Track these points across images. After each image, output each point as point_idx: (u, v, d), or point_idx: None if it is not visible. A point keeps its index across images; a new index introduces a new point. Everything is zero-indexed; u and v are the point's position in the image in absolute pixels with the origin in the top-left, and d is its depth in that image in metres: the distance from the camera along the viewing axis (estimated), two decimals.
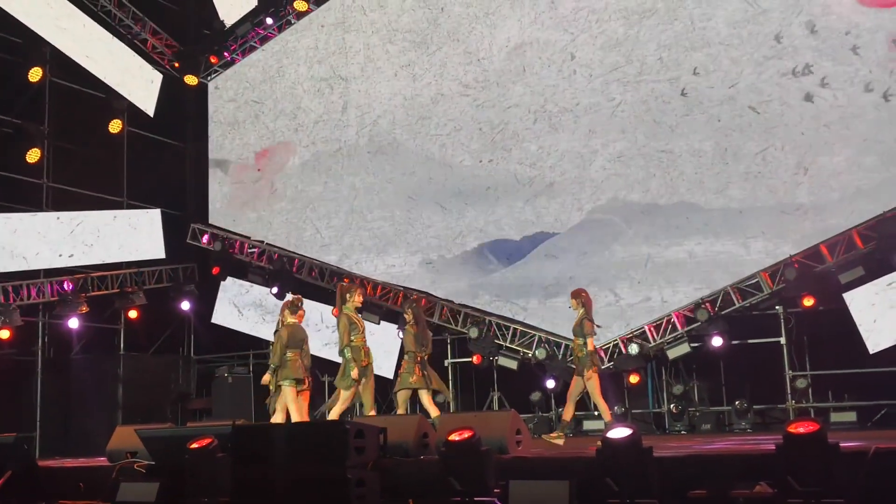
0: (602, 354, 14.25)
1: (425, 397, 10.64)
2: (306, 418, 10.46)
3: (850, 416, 12.86)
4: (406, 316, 11.01)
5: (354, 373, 10.14)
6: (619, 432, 6.15)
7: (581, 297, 10.91)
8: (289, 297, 13.18)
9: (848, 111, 13.04)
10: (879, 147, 12.79)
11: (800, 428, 5.67)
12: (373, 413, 10.46)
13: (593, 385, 10.50)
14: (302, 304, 10.99)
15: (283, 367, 10.24)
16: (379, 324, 15.56)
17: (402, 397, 10.74)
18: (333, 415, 10.34)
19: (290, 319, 10.62)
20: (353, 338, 10.27)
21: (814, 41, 13.32)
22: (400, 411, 10.72)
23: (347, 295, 10.58)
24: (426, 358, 10.77)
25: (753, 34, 13.69)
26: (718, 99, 13.84)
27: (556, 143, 15.03)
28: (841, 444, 5.65)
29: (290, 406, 10.21)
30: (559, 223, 14.89)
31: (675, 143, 14.10)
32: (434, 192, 15.98)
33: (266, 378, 10.59)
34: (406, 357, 10.75)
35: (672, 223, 14.05)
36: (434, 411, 10.53)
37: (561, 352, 14.46)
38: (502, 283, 15.08)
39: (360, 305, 10.77)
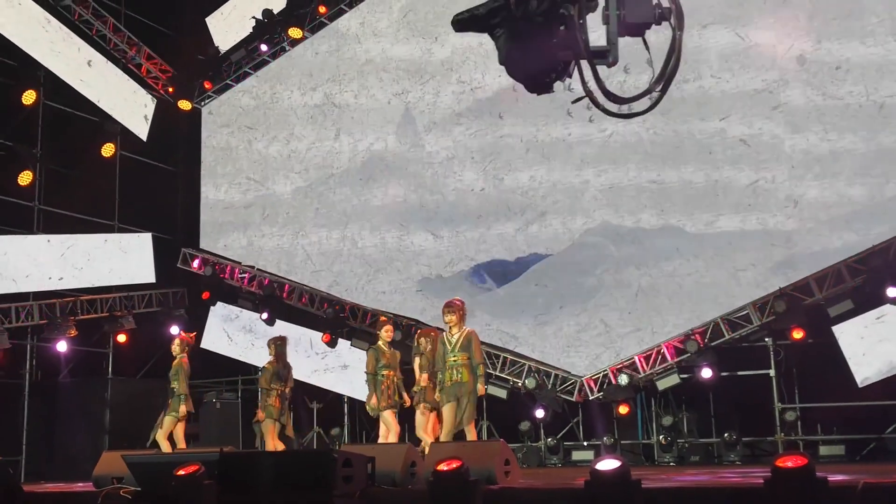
0: (592, 384, 14.26)
1: (277, 428, 11.65)
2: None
3: (839, 450, 12.86)
4: (269, 351, 12.03)
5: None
6: (608, 464, 6.12)
7: (430, 335, 11.06)
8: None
9: (838, 145, 13.13)
10: (869, 181, 12.87)
11: (788, 462, 5.65)
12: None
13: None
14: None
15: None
16: (367, 350, 15.48)
17: (267, 428, 11.71)
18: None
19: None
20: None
21: (804, 75, 13.44)
22: (272, 443, 11.58)
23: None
24: (286, 391, 11.82)
25: (745, 66, 13.80)
26: (710, 131, 13.92)
27: (547, 173, 15.09)
28: (829, 479, 5.63)
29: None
30: (550, 251, 14.92)
31: (667, 174, 14.17)
32: (425, 219, 16.00)
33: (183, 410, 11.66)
34: (262, 393, 11.84)
35: (662, 254, 14.10)
36: (279, 445, 11.47)
37: (551, 381, 14.44)
38: (493, 309, 15.05)
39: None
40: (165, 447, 11.48)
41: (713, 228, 13.80)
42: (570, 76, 5.05)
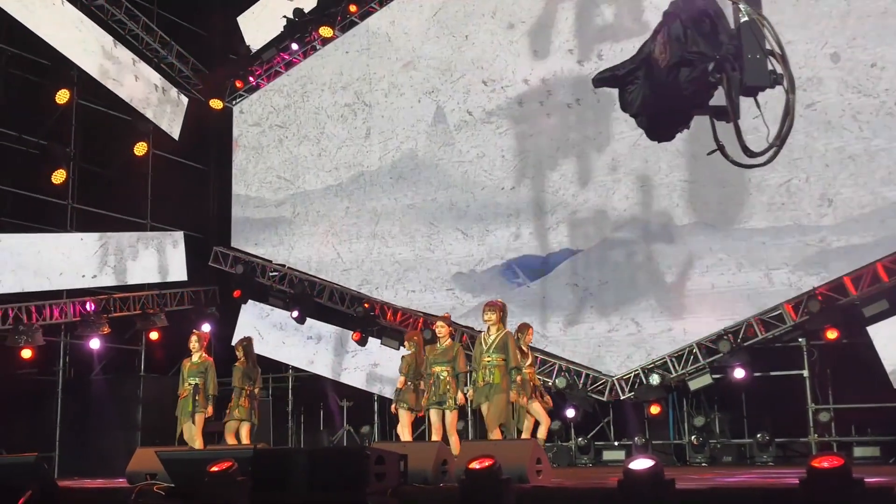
0: (623, 384, 14.21)
1: (245, 429, 11.69)
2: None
3: (874, 451, 12.74)
4: (237, 352, 12.07)
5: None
6: (642, 463, 6.09)
7: (413, 339, 11.29)
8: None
9: (873, 143, 12.99)
10: None
11: (824, 462, 5.59)
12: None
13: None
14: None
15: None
16: (398, 349, 15.52)
17: (228, 429, 11.76)
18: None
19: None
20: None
21: (838, 72, 13.29)
22: (229, 442, 11.63)
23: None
24: (255, 391, 11.93)
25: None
26: (742, 129, 13.78)
27: (578, 171, 15.04)
28: (865, 480, 5.58)
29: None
30: (581, 249, 14.87)
31: (699, 173, 14.08)
32: (456, 218, 15.99)
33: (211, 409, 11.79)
34: (234, 392, 11.80)
35: (695, 253, 14.01)
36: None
37: (581, 381, 14.40)
38: (524, 307, 14.97)
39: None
40: (199, 444, 11.55)
41: (746, 227, 13.70)
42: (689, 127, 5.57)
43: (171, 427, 12.19)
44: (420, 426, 16.02)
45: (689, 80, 5.22)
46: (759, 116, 5.56)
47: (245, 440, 11.63)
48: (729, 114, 5.51)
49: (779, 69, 5.49)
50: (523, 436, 10.59)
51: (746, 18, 5.41)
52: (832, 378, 13.53)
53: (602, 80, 5.70)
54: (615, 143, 14.78)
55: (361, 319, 16.14)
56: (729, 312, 13.66)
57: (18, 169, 15.53)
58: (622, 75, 5.58)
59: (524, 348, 10.81)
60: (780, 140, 5.63)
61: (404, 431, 10.95)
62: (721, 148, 5.76)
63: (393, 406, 11.27)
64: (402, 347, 11.93)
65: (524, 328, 11.07)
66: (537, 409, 10.76)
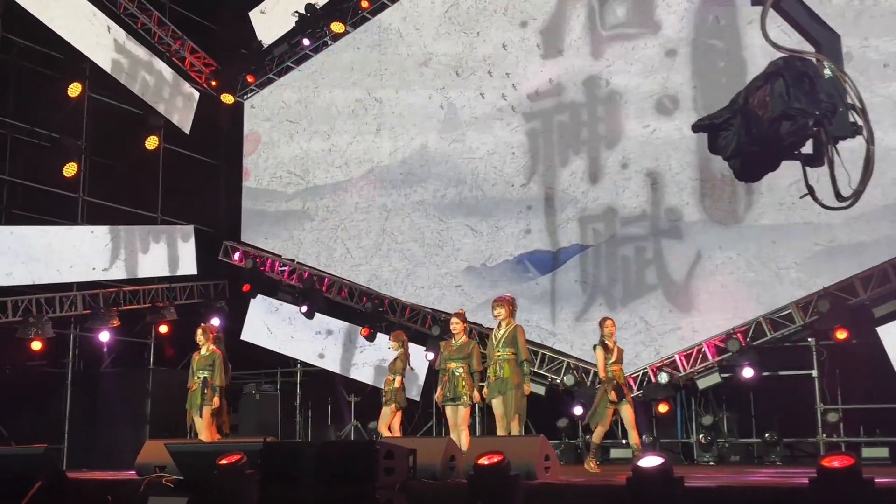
0: (632, 382, 14.18)
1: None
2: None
3: (882, 452, 12.68)
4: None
5: (611, 395, 10.54)
6: (651, 461, 6.09)
7: (401, 338, 12.10)
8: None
9: (885, 142, 12.92)
10: None
11: (834, 462, 5.58)
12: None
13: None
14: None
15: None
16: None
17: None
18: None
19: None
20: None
21: (851, 72, 13.17)
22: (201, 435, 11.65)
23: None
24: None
25: None
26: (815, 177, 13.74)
27: (589, 169, 15.03)
28: (875, 480, 5.57)
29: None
30: (591, 247, 14.87)
31: (709, 172, 14.05)
32: (465, 214, 15.99)
33: (217, 401, 11.75)
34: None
35: (704, 251, 13.99)
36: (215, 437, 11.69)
37: (589, 378, 14.39)
38: (533, 302, 14.95)
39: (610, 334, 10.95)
40: (206, 437, 11.59)
41: (756, 226, 13.67)
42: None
43: (180, 420, 12.24)
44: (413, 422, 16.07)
45: (790, 132, 5.83)
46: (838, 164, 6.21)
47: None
48: (817, 161, 6.19)
49: (859, 121, 6.19)
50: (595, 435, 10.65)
51: (830, 75, 6.04)
52: (841, 378, 13.48)
53: (701, 126, 6.35)
54: (626, 141, 14.77)
55: (370, 315, 16.16)
56: (738, 311, 13.63)
57: (30, 161, 15.61)
58: (719, 123, 6.19)
59: (608, 343, 10.72)
60: (863, 186, 6.33)
61: (395, 427, 11.45)
62: (811, 191, 6.43)
63: (394, 406, 11.50)
64: (390, 348, 12.31)
65: (602, 321, 10.99)
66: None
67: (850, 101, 6.12)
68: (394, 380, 11.86)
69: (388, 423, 11.83)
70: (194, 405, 11.75)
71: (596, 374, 14.33)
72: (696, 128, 6.45)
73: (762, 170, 6.41)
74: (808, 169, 6.37)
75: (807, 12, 6.59)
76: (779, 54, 6.11)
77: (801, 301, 13.18)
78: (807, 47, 6.42)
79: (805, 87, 5.89)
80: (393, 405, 11.79)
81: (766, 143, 5.97)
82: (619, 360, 10.76)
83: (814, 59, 6.12)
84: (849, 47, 13.12)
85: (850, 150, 6.30)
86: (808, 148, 6.18)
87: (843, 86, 6.10)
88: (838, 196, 6.31)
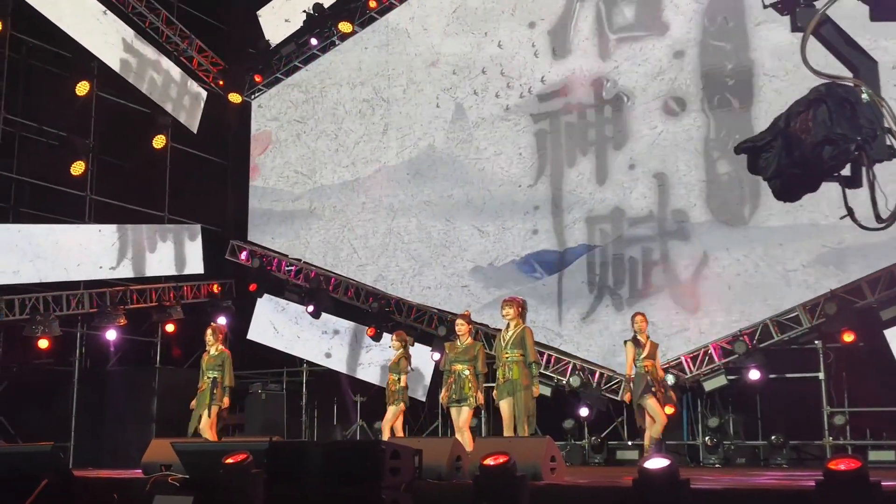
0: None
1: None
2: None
3: (889, 455, 12.65)
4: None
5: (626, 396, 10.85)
6: (657, 463, 6.08)
7: (402, 337, 12.44)
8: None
9: (892, 145, 12.89)
10: None
11: (840, 465, 5.57)
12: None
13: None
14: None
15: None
16: (413, 345, 15.52)
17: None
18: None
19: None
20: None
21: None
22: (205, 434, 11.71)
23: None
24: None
25: (799, 65, 13.53)
26: (762, 129, 13.73)
27: (596, 170, 15.02)
28: (882, 483, 5.55)
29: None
30: (597, 247, 14.85)
31: (717, 173, 14.03)
32: (472, 215, 15.99)
33: (227, 401, 11.86)
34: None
35: (711, 253, 13.96)
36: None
37: (595, 380, 14.38)
38: (540, 303, 14.93)
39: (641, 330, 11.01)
40: (211, 436, 11.61)
41: (763, 228, 13.63)
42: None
43: (185, 419, 12.25)
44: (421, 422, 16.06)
45: (832, 156, 6.11)
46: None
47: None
48: (856, 183, 6.48)
49: (895, 144, 6.42)
50: (646, 435, 10.66)
51: (868, 100, 6.27)
52: (848, 381, 13.44)
53: (744, 149, 6.64)
54: (633, 142, 14.75)
55: (376, 315, 16.16)
56: (745, 313, 13.60)
57: (38, 160, 15.63)
58: (761, 145, 6.50)
59: (640, 338, 10.76)
60: None
61: (399, 427, 11.70)
62: (851, 212, 6.64)
63: (403, 405, 11.61)
64: (391, 347, 12.57)
65: (633, 317, 11.06)
66: (652, 405, 10.65)
67: (886, 125, 6.34)
68: (399, 379, 11.92)
69: (394, 422, 11.88)
70: (203, 404, 11.77)
71: (601, 374, 14.39)
72: (738, 150, 6.73)
73: (802, 190, 6.66)
74: (846, 190, 6.61)
75: (845, 39, 7.00)
76: (820, 80, 6.41)
77: (808, 303, 13.14)
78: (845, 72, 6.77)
79: (847, 113, 6.15)
80: (402, 404, 11.86)
81: (807, 165, 6.25)
82: (652, 355, 10.80)
83: (852, 84, 6.38)
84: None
85: (889, 173, 6.59)
86: (846, 170, 6.45)
87: (880, 110, 6.32)
88: (878, 217, 6.58)
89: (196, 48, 18.17)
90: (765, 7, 7.20)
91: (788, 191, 6.65)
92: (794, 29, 6.99)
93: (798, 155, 6.22)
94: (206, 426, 11.67)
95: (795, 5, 6.94)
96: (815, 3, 6.87)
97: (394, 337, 12.50)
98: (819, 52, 6.96)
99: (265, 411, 16.40)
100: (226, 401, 11.79)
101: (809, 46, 6.72)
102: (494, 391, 10.07)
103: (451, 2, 16.74)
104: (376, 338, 16.24)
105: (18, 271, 14.88)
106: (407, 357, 12.17)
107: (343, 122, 17.65)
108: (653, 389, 10.60)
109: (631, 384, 10.79)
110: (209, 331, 12.24)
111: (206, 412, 11.72)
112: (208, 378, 11.83)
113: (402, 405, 11.91)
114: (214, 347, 12.05)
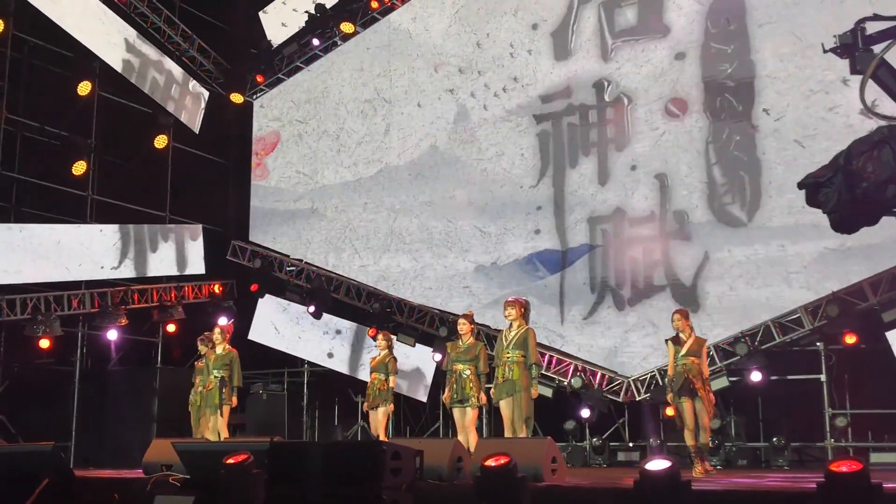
0: (640, 385, 14.16)
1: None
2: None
3: (891, 457, 12.62)
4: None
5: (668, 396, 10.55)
6: (658, 464, 6.07)
7: (388, 336, 12.41)
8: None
9: None
10: None
11: (842, 467, 5.56)
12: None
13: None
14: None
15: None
16: (414, 346, 15.56)
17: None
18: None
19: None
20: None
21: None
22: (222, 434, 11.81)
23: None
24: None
25: (801, 67, 13.59)
26: (764, 132, 13.75)
27: (598, 172, 15.00)
28: (884, 485, 5.54)
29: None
30: (599, 246, 14.84)
31: (718, 175, 14.02)
32: (474, 215, 15.98)
33: (235, 401, 12.02)
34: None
35: (713, 255, 13.94)
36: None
37: (597, 381, 14.37)
38: (541, 303, 14.90)
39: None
40: (225, 436, 11.60)
41: (765, 229, 13.61)
42: None
43: (187, 419, 12.25)
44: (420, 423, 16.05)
45: (893, 194, 6.60)
46: None
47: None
48: None
49: None
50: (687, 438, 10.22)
51: None
52: (850, 383, 13.43)
53: (806, 185, 7.18)
54: (635, 143, 14.74)
55: (378, 315, 16.15)
56: (746, 314, 13.57)
57: (40, 159, 15.63)
58: (823, 181, 6.99)
59: (682, 336, 10.31)
60: None
61: (381, 428, 11.70)
62: None
63: (391, 406, 11.63)
64: (377, 346, 12.53)
65: (672, 315, 10.61)
66: (687, 408, 10.12)
67: None
68: (387, 379, 11.86)
69: (385, 423, 11.87)
70: (211, 404, 11.74)
71: (603, 376, 14.38)
72: (801, 185, 7.27)
73: (860, 224, 7.20)
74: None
75: None
76: (878, 122, 7.00)
77: (809, 305, 13.12)
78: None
79: None
80: (390, 405, 11.85)
81: (868, 201, 6.77)
82: (693, 353, 10.17)
83: None
84: None
85: None
86: None
87: None
88: None
89: (198, 48, 18.18)
90: (825, 52, 7.72)
91: (847, 224, 7.20)
92: (854, 71, 7.46)
93: (860, 192, 6.71)
94: (222, 426, 11.68)
95: (855, 50, 7.40)
96: (872, 48, 7.32)
97: (381, 336, 12.44)
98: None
99: (266, 411, 16.39)
100: (234, 400, 11.80)
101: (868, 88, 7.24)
102: (492, 390, 10.03)
103: (453, 2, 16.74)
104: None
105: (20, 271, 14.89)
106: (395, 358, 12.16)
107: (345, 122, 17.65)
108: (692, 388, 10.01)
109: (671, 384, 10.33)
110: (217, 330, 12.25)
111: (217, 413, 11.68)
112: (215, 377, 11.81)
113: (390, 405, 11.86)
114: (221, 347, 12.06)
